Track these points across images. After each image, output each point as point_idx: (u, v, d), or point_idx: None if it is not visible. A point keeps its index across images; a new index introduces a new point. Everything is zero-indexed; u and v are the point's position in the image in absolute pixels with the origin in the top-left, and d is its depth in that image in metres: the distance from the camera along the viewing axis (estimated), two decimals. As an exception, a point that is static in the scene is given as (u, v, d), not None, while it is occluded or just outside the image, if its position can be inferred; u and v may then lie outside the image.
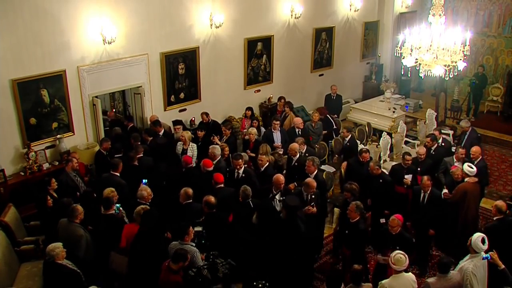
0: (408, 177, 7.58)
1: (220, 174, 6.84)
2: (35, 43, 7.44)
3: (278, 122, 8.97)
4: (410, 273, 5.07)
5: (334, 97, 11.43)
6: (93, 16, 7.93)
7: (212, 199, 6.07)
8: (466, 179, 6.99)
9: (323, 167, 9.17)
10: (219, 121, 9.88)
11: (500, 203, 6.20)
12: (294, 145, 7.82)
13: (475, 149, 7.74)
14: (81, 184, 7.22)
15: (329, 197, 8.31)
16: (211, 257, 5.20)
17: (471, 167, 7.05)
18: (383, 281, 5.05)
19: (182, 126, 8.88)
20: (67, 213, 5.94)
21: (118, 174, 7.02)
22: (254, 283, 4.86)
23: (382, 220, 7.06)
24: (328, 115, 10.47)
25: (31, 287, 5.81)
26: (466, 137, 8.99)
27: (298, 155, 7.75)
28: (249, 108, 10.00)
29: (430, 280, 5.13)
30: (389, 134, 10.34)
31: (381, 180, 7.21)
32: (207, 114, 9.30)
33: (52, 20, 7.54)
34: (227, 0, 9.81)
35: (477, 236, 5.22)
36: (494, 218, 6.15)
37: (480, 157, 7.69)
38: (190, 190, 6.29)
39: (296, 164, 7.67)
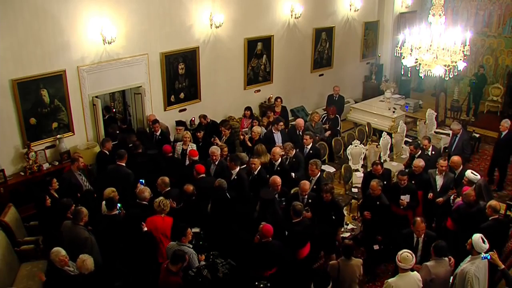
0: (405, 198, 6.93)
1: (201, 165, 7.09)
2: (35, 43, 7.44)
3: (281, 123, 8.96)
4: (415, 272, 5.08)
5: (337, 98, 11.36)
6: (93, 16, 7.93)
7: (190, 187, 6.46)
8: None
9: (323, 167, 9.18)
10: (219, 121, 9.87)
11: (494, 203, 6.17)
12: (276, 149, 7.66)
13: (456, 159, 7.48)
14: (85, 183, 7.24)
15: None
16: (211, 257, 5.21)
17: (475, 174, 6.95)
18: (389, 280, 5.05)
19: (184, 127, 8.91)
20: (66, 214, 5.96)
21: (124, 164, 7.25)
22: (256, 283, 4.86)
23: (376, 247, 6.67)
24: (337, 115, 10.35)
25: (31, 287, 5.81)
26: (457, 140, 8.71)
27: (280, 160, 7.58)
28: (248, 108, 9.97)
29: (429, 263, 5.15)
30: (389, 134, 10.34)
31: (378, 202, 6.66)
32: (205, 116, 9.31)
33: (52, 20, 7.54)
34: (227, 0, 9.81)
35: (478, 237, 5.20)
36: (490, 218, 6.10)
37: (462, 166, 7.44)
38: (166, 178, 6.65)
39: (278, 169, 7.48)
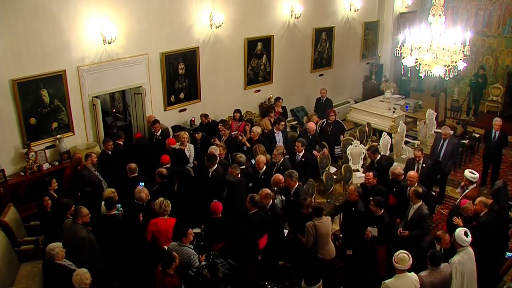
0: (372, 230, 6.05)
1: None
2: (35, 43, 7.44)
3: (282, 123, 8.94)
4: (412, 273, 5.06)
5: (324, 101, 11.17)
6: (93, 16, 7.93)
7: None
8: (469, 187, 6.90)
9: (323, 167, 9.19)
10: (219, 121, 9.84)
11: (483, 198, 6.25)
12: (261, 158, 7.38)
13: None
14: (101, 178, 7.35)
15: (329, 197, 8.34)
16: (211, 257, 5.20)
17: (473, 173, 6.92)
18: (386, 281, 5.03)
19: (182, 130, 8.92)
20: (66, 214, 5.96)
21: (122, 143, 7.99)
22: (266, 283, 4.86)
23: (349, 252, 6.35)
24: (338, 119, 10.06)
25: (31, 287, 5.82)
26: (446, 144, 8.35)
27: (264, 168, 7.33)
28: (237, 111, 9.79)
29: (423, 273, 5.14)
30: (389, 134, 10.34)
31: (353, 208, 6.33)
32: (206, 115, 9.30)
33: (52, 20, 7.54)
34: (227, 0, 9.81)
35: (460, 230, 5.33)
36: (481, 214, 6.12)
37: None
38: (133, 165, 7.09)
39: (262, 177, 7.28)
